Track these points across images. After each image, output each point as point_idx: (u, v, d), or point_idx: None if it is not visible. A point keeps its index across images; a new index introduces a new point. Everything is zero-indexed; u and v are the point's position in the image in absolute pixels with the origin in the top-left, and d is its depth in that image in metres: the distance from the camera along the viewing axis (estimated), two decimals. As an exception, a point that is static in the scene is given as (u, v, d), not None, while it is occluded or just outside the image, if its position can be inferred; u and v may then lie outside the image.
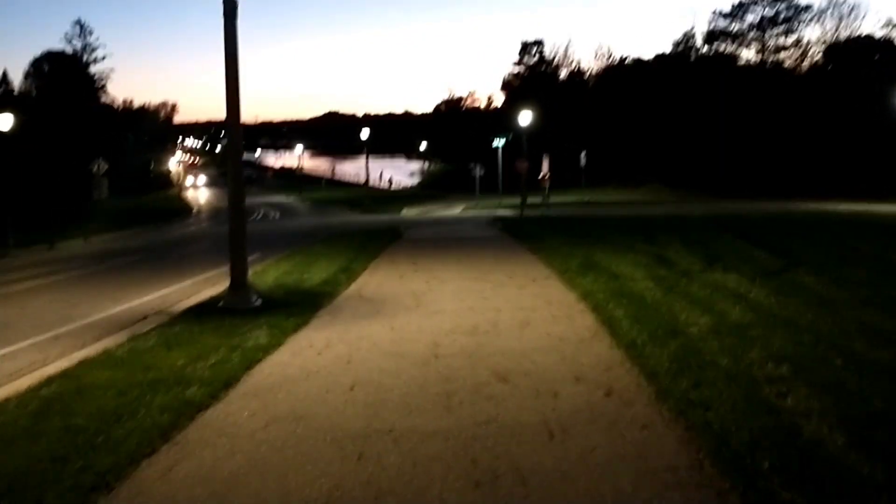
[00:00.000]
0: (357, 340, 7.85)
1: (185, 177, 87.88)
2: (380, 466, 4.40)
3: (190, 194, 72.20)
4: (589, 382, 6.08)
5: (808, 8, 60.61)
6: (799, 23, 61.20)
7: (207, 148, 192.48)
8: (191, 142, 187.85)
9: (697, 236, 16.41)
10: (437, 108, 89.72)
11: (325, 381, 6.32)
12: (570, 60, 76.84)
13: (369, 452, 4.61)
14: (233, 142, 9.73)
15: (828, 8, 60.96)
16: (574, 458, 4.46)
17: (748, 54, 64.07)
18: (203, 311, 9.67)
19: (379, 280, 12.49)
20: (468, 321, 8.72)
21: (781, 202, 38.81)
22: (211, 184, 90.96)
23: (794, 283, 9.70)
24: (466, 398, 5.73)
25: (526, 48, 77.61)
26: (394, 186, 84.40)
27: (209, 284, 12.96)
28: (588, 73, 75.18)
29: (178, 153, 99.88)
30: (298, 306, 9.72)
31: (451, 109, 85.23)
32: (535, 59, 77.28)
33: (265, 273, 13.26)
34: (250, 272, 13.46)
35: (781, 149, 52.54)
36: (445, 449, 4.65)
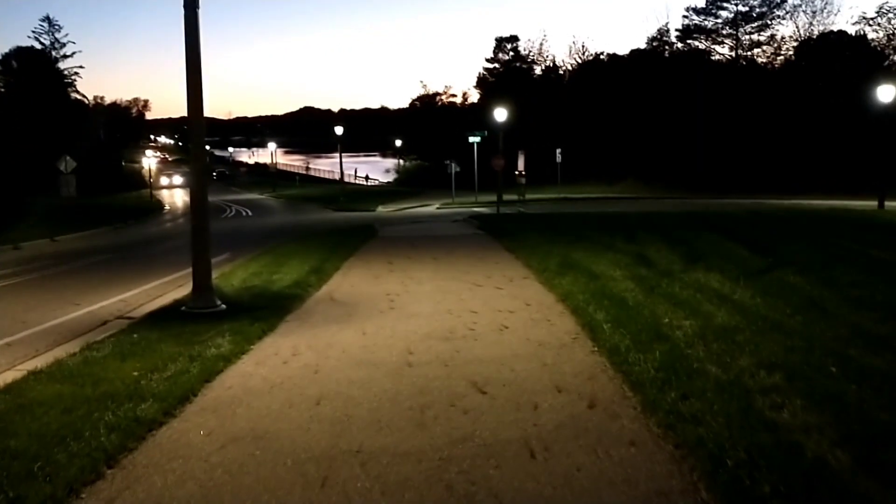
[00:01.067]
0: (326, 348, 7.43)
1: (159, 175, 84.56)
2: (345, 495, 4.00)
3: (164, 193, 69.91)
4: (571, 393, 5.73)
5: (781, 3, 60.86)
6: (773, 18, 61.47)
7: (180, 145, 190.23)
8: (163, 139, 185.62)
9: (678, 234, 16.14)
10: (412, 103, 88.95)
11: (289, 394, 5.91)
12: (545, 56, 76.64)
13: (334, 478, 4.20)
14: (195, 137, 9.26)
15: (801, 4, 61.31)
16: (557, 482, 4.09)
17: (723, 50, 64.28)
18: (165, 316, 9.19)
19: (352, 281, 12.07)
20: (444, 325, 8.35)
21: (758, 198, 38.89)
22: (186, 183, 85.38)
23: (780, 283, 9.41)
24: (441, 412, 5.34)
25: (500, 44, 77.23)
26: (369, 183, 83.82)
27: (175, 286, 12.47)
28: (563, 69, 75.02)
29: (151, 152, 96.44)
30: (266, 310, 9.27)
31: (426, 105, 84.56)
32: (510, 55, 76.89)
33: (233, 274, 12.78)
34: (217, 273, 13.04)
35: (757, 144, 52.71)
36: (417, 472, 4.26)
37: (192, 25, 8.85)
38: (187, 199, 52.19)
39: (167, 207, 58.16)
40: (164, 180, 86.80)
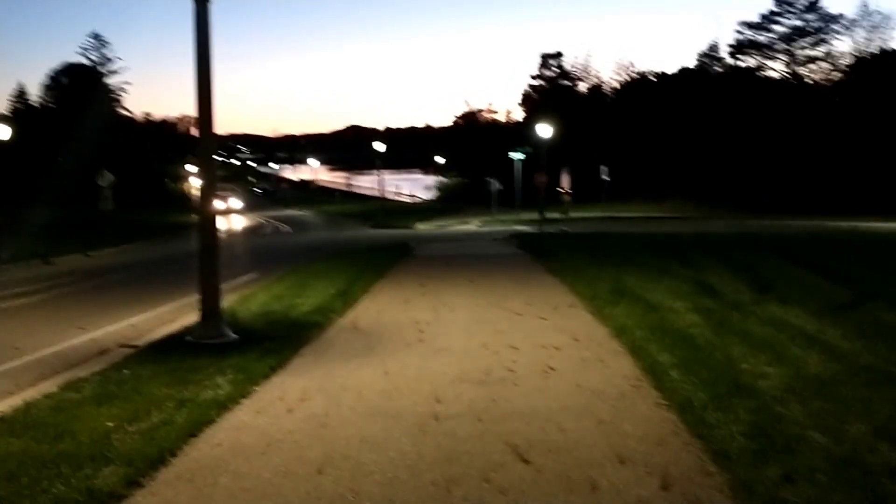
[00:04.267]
0: (340, 391, 6.34)
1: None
2: None
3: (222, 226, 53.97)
4: (637, 465, 4.54)
5: (838, 18, 58.67)
6: (829, 33, 59.24)
7: (225, 162, 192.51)
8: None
9: (738, 258, 14.76)
10: (456, 121, 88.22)
11: (287, 456, 4.81)
12: (590, 73, 75.28)
13: None
14: (204, 145, 8.29)
15: (859, 18, 58.91)
16: None
17: (775, 67, 62.19)
18: (166, 347, 8.19)
19: (380, 306, 11.00)
20: (479, 364, 7.20)
21: (811, 219, 37.02)
22: (246, 206, 69.84)
23: (874, 320, 8.06)
24: (472, 490, 4.20)
25: (545, 60, 76.16)
26: (411, 200, 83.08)
27: (192, 309, 11.48)
28: (609, 86, 73.57)
29: (191, 166, 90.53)
30: (280, 341, 8.23)
31: (469, 122, 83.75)
32: (555, 71, 75.76)
33: (253, 297, 11.79)
34: (237, 296, 12.13)
35: (810, 164, 50.56)
36: None
37: (203, 21, 7.89)
38: (245, 222, 51.10)
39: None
40: (217, 204, 76.92)
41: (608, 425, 5.30)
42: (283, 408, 5.90)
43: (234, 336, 8.31)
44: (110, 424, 5.28)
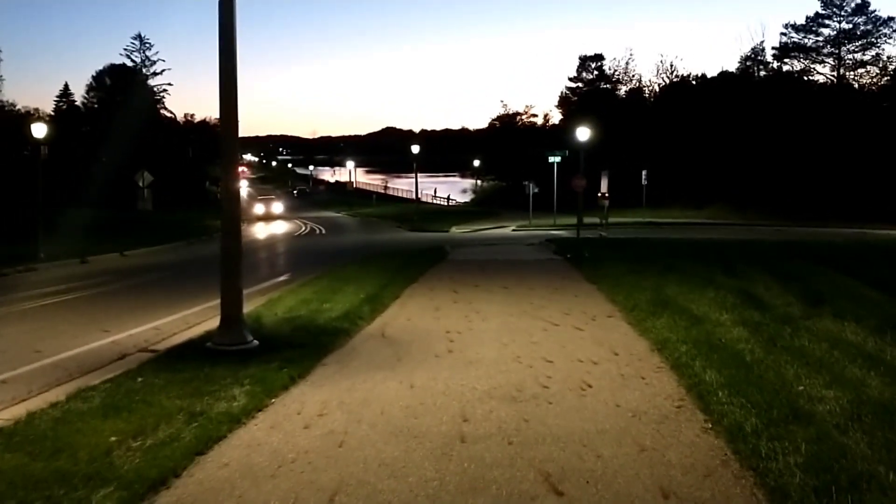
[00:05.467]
0: (361, 406, 5.95)
1: (251, 202, 59.57)
2: None
3: (258, 230, 44.96)
4: (683, 500, 4.08)
5: (888, 21, 56.89)
6: (879, 37, 57.45)
7: (264, 163, 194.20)
8: (249, 157, 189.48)
9: (785, 267, 14.09)
10: (492, 123, 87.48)
11: (298, 480, 4.43)
12: (630, 76, 74.11)
13: None
14: (227, 144, 7.96)
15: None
16: None
17: (823, 70, 60.55)
18: (185, 353, 7.88)
19: (409, 313, 10.61)
20: (511, 378, 6.77)
21: (857, 226, 35.86)
22: (288, 211, 62.58)
23: (942, 339, 7.45)
24: (498, 528, 3.77)
25: (584, 63, 75.12)
26: (448, 203, 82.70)
27: (218, 312, 11.24)
28: (650, 89, 72.35)
29: (245, 180, 79.63)
30: (303, 349, 7.89)
31: (506, 125, 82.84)
32: (594, 74, 74.69)
33: (280, 301, 11.49)
34: (264, 300, 11.87)
35: (855, 170, 49.02)
36: None
37: (228, 6, 7.57)
38: (283, 225, 50.51)
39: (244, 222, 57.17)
40: (258, 208, 58.21)
41: (650, 452, 4.83)
42: (300, 423, 5.53)
43: (255, 343, 7.97)
44: (113, 440, 4.96)
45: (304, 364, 7.25)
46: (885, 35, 57.37)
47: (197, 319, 10.95)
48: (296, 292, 12.60)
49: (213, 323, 9.82)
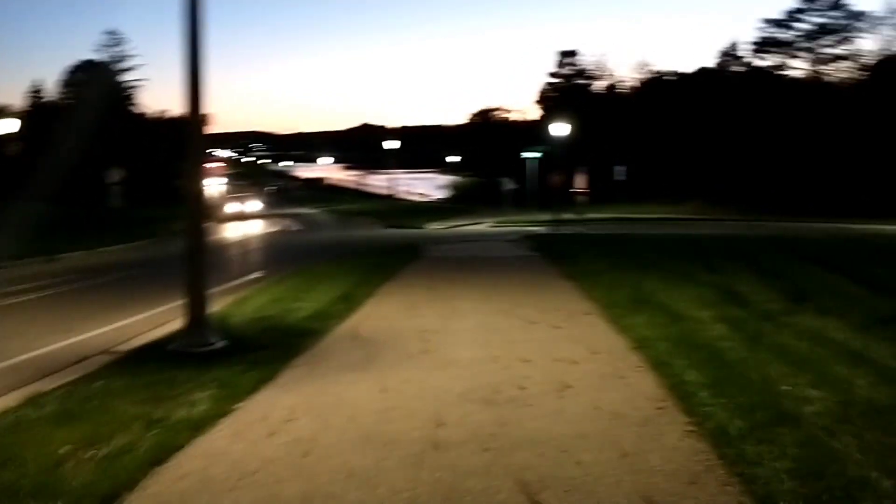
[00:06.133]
0: (331, 411, 5.68)
1: (223, 201, 56.19)
2: None
3: (228, 229, 41.10)
4: (668, 510, 3.85)
5: (862, 16, 57.21)
6: (853, 31, 57.87)
7: (242, 161, 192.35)
8: (224, 153, 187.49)
9: (765, 263, 14.00)
10: (469, 120, 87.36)
11: (260, 493, 4.15)
12: (608, 72, 74.23)
13: None
14: (193, 137, 7.64)
15: (885, 17, 57.39)
16: None
17: (797, 65, 60.90)
18: (148, 355, 7.56)
19: (384, 311, 10.34)
20: (488, 380, 6.52)
21: (833, 221, 36.06)
22: (268, 208, 59.61)
23: (927, 335, 7.32)
24: (473, 544, 3.52)
25: (562, 58, 75.14)
26: (423, 199, 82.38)
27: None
28: (627, 85, 72.49)
29: (218, 179, 75.09)
30: (271, 350, 7.60)
31: (483, 121, 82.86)
32: (572, 69, 74.73)
33: (249, 300, 11.18)
34: (232, 299, 11.56)
35: (830, 165, 49.44)
36: None
37: None
38: (259, 222, 49.06)
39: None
40: (233, 206, 54.35)
41: (632, 458, 4.60)
42: (265, 430, 5.24)
43: (222, 344, 7.67)
44: (64, 450, 4.64)
45: (272, 366, 6.96)
46: (859, 30, 57.82)
47: (163, 319, 10.57)
48: (267, 291, 12.28)
49: (180, 323, 9.52)
